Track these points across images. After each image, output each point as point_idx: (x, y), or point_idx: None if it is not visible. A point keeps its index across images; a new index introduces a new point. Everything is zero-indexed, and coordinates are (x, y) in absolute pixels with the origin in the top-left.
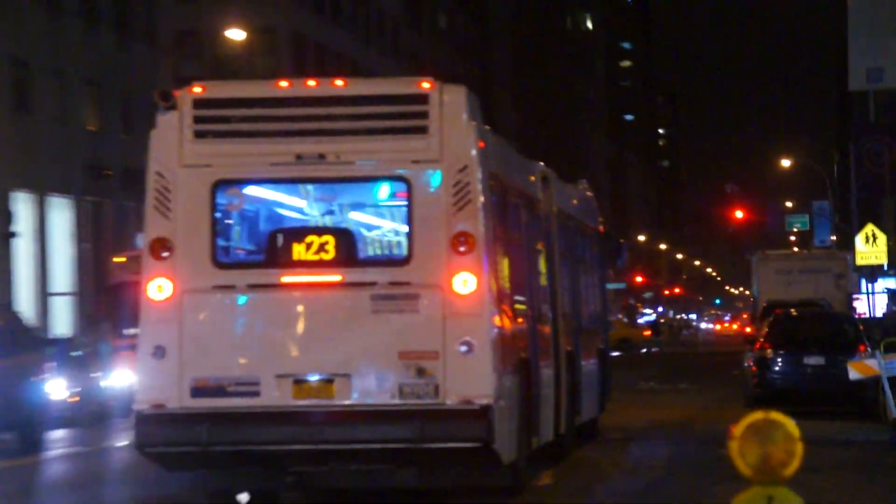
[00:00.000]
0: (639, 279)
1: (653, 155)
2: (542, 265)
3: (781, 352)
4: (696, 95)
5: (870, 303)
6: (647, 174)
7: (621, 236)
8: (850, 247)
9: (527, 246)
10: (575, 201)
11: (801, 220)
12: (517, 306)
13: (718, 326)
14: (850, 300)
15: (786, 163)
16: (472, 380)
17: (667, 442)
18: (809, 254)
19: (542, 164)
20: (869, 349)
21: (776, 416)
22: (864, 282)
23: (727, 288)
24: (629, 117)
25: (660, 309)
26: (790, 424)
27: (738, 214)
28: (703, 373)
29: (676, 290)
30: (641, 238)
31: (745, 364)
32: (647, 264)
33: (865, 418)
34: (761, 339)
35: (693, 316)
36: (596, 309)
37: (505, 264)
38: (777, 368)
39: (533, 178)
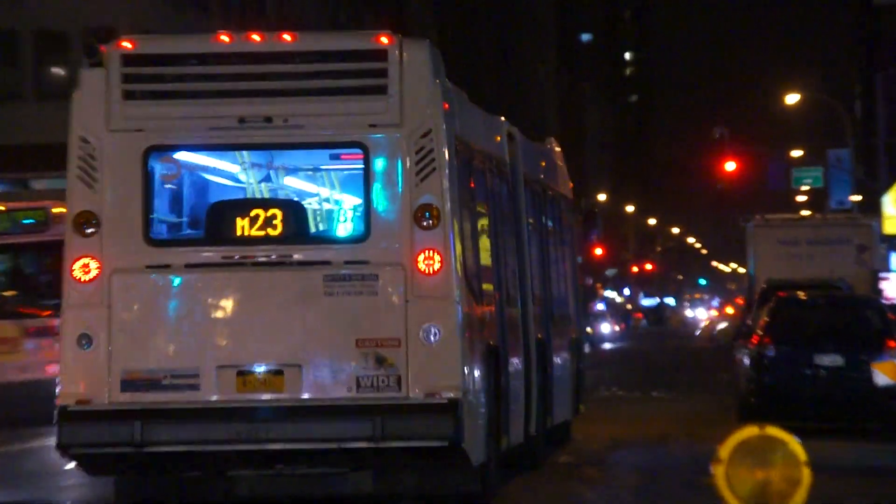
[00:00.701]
0: (598, 252)
1: (617, 87)
2: (509, 240)
3: (785, 348)
4: (674, 9)
5: None
6: (608, 112)
7: (579, 196)
8: (877, 210)
9: (493, 218)
10: (543, 164)
11: (813, 174)
12: (484, 287)
13: (709, 315)
14: (877, 280)
15: (792, 99)
16: (439, 370)
17: (633, 467)
18: (823, 219)
19: (504, 120)
20: None
21: (775, 431)
22: (894, 256)
23: (715, 264)
24: (586, 37)
25: (626, 291)
26: (793, 444)
27: (730, 167)
28: (681, 376)
29: (648, 267)
30: (601, 197)
31: (737, 364)
32: (610, 232)
33: (895, 437)
34: (759, 332)
35: (669, 300)
36: (568, 292)
37: (471, 240)
38: (779, 370)
39: (498, 139)
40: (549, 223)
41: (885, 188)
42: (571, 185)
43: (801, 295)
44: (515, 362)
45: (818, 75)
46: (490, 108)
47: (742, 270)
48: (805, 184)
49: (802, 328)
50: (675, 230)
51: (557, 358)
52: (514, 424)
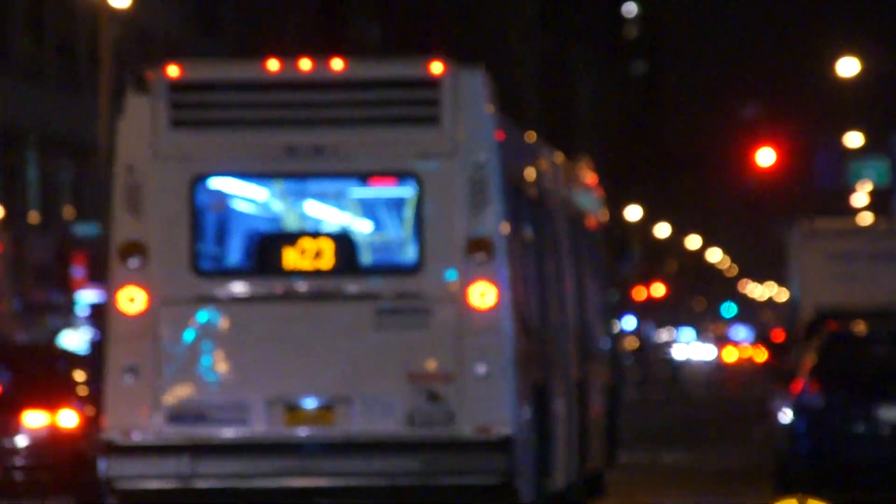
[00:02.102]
0: (637, 292)
1: (616, 53)
2: (551, 273)
3: (837, 397)
4: None
5: None
6: (605, 85)
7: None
8: None
9: (539, 251)
10: (579, 188)
11: (876, 167)
12: (533, 323)
13: (733, 354)
14: None
15: (848, 68)
16: (491, 406)
17: None
18: (889, 227)
19: (547, 146)
20: None
21: None
22: None
23: (746, 284)
24: None
25: (629, 322)
26: None
27: (766, 158)
28: (703, 434)
29: (659, 290)
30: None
31: (775, 417)
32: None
33: None
34: (805, 375)
35: (687, 332)
36: (603, 328)
37: (521, 274)
38: (828, 426)
39: (542, 166)
40: (585, 254)
41: None
42: (606, 208)
43: (860, 327)
44: (559, 403)
45: (882, 38)
46: None
47: (783, 296)
48: (865, 180)
49: (860, 371)
50: (694, 242)
51: (595, 400)
52: (557, 467)
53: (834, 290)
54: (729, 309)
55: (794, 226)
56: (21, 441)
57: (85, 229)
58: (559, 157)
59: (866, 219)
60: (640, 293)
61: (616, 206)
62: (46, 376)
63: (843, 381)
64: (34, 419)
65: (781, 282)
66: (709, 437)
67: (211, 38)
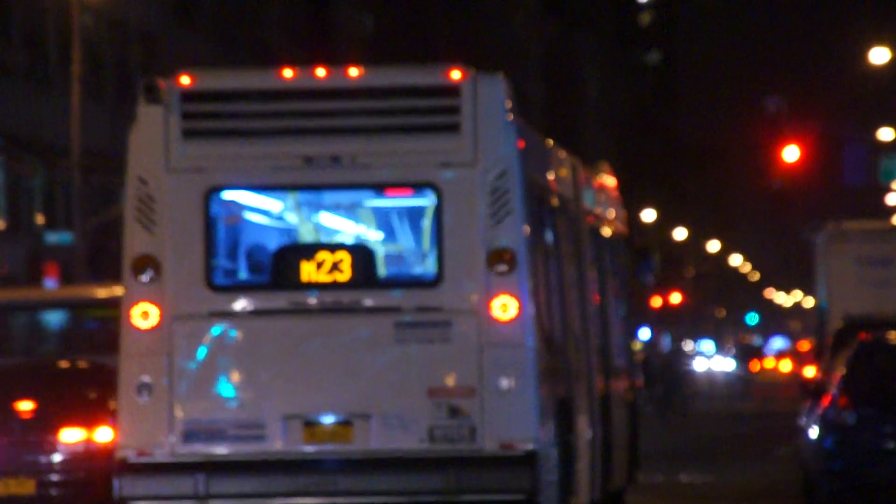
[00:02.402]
0: (655, 303)
1: (628, 41)
2: (574, 285)
3: (870, 413)
4: None
5: None
6: (615, 76)
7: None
8: None
9: (561, 262)
10: (601, 197)
11: None
12: (555, 336)
13: (758, 366)
14: None
15: (880, 57)
16: (514, 421)
17: None
18: None
19: (565, 152)
20: None
21: None
22: None
23: (770, 293)
24: None
25: (646, 333)
26: None
27: (791, 155)
28: (723, 452)
29: (675, 298)
30: None
31: (803, 434)
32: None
33: None
34: (834, 388)
35: (707, 344)
36: (624, 341)
37: (544, 286)
38: (860, 444)
39: (564, 174)
40: (607, 263)
41: None
42: (626, 215)
43: (892, 337)
44: (582, 418)
45: None
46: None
47: (809, 302)
48: None
49: (893, 384)
50: (714, 247)
51: (617, 416)
52: (580, 485)
53: (864, 296)
54: (752, 318)
55: (821, 229)
56: (57, 457)
57: (56, 237)
58: (580, 166)
59: None
60: (656, 301)
61: (629, 208)
62: (82, 392)
63: (874, 395)
64: (71, 435)
65: (808, 289)
66: (731, 455)
67: (189, 29)
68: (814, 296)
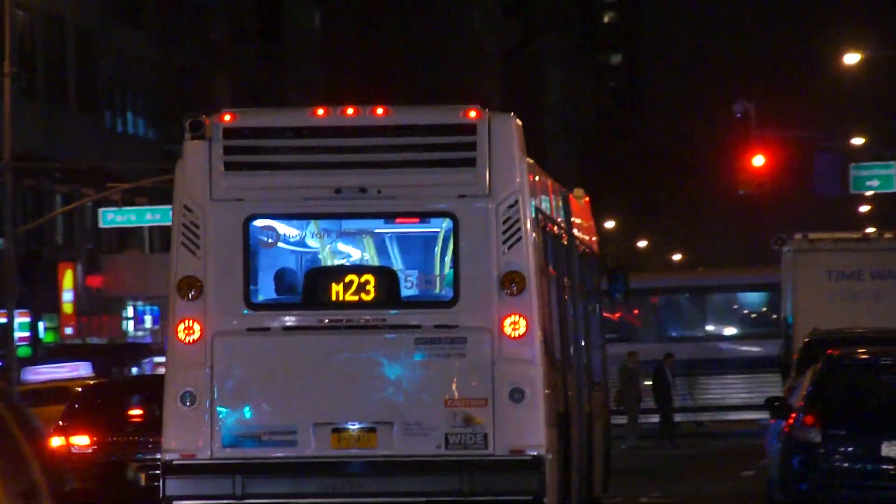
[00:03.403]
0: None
1: (590, 42)
2: (567, 305)
3: (838, 433)
4: None
5: None
6: (578, 78)
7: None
8: None
9: (558, 283)
10: (582, 221)
11: (882, 172)
12: (556, 353)
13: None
14: None
15: (851, 59)
16: (524, 429)
17: None
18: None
19: (558, 183)
20: None
21: None
22: None
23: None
24: None
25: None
26: None
27: (758, 162)
28: (687, 471)
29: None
30: None
31: (768, 454)
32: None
33: None
34: (802, 408)
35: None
36: (602, 359)
37: (547, 306)
38: (831, 464)
39: (559, 204)
40: (589, 284)
41: None
42: (597, 238)
43: (862, 353)
44: (575, 429)
45: (892, 27)
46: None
47: (776, 315)
48: (869, 187)
49: (864, 403)
50: (676, 256)
51: (597, 428)
52: (574, 489)
53: (834, 310)
54: None
55: (788, 240)
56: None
57: None
58: (568, 194)
59: (869, 231)
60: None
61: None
62: None
63: (842, 414)
64: None
65: (774, 303)
66: (696, 474)
67: (131, 27)
68: (780, 310)
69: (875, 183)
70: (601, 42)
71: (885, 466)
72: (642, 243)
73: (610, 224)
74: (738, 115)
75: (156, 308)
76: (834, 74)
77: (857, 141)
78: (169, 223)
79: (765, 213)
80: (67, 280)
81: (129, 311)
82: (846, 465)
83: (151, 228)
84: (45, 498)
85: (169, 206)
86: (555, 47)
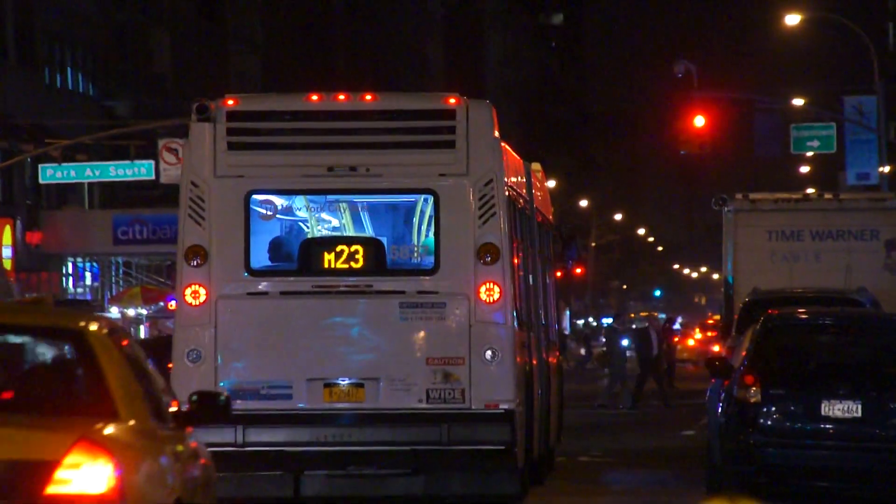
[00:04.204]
0: (578, 271)
1: (531, 2)
2: (531, 272)
3: (777, 392)
4: None
5: None
6: (519, 38)
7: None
8: None
9: (525, 253)
10: (540, 194)
11: (822, 133)
12: (523, 316)
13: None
14: None
15: (791, 20)
16: (497, 385)
17: None
18: (836, 201)
19: (522, 160)
20: None
21: None
22: None
23: (677, 268)
24: None
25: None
26: None
27: (699, 122)
28: (627, 432)
29: (577, 271)
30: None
31: (709, 413)
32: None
33: None
34: (742, 367)
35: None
36: (555, 318)
37: (516, 273)
38: (770, 423)
39: (524, 179)
40: (547, 251)
41: None
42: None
43: (802, 313)
44: (539, 384)
45: None
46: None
47: (716, 276)
48: (810, 148)
49: (803, 362)
50: (618, 217)
51: (553, 385)
52: (536, 440)
53: (774, 271)
54: (656, 293)
55: (728, 200)
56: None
57: None
58: (528, 167)
59: (809, 192)
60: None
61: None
62: None
63: (781, 374)
64: None
65: (716, 263)
66: (635, 435)
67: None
68: (720, 270)
69: (815, 143)
70: (543, 2)
71: (823, 425)
72: (583, 203)
73: (551, 184)
74: (680, 76)
75: (96, 265)
76: (775, 35)
77: (798, 102)
78: (108, 179)
79: (706, 173)
80: (6, 236)
81: (69, 268)
82: (785, 424)
83: (91, 185)
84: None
85: (109, 162)
86: (496, 7)
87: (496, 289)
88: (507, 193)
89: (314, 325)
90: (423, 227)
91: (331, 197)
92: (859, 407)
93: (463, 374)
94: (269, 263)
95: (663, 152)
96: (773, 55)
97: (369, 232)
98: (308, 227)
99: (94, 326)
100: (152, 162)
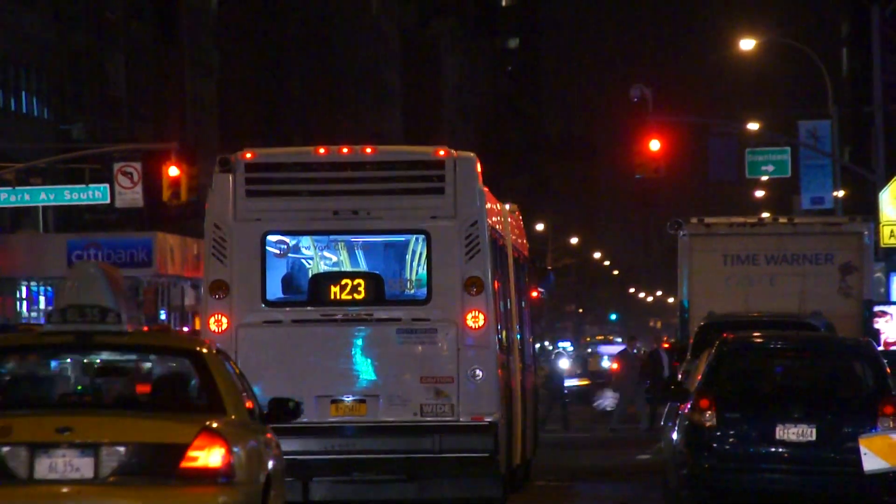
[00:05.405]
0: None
1: (488, 27)
2: (509, 302)
3: (732, 416)
4: None
5: None
6: (476, 62)
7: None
8: (871, 212)
9: (503, 284)
10: (517, 231)
11: (777, 157)
12: (503, 340)
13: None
14: (870, 317)
15: (746, 45)
16: (482, 401)
17: None
18: (790, 225)
19: (501, 203)
20: None
21: None
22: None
23: (633, 291)
24: None
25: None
26: None
27: (654, 146)
28: (583, 455)
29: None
30: None
31: (665, 438)
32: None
33: None
34: (697, 391)
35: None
36: (531, 343)
37: (497, 303)
38: (725, 447)
39: (502, 218)
40: (522, 282)
41: (884, 179)
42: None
43: (757, 337)
44: (517, 400)
45: (786, 10)
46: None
47: (672, 300)
48: (764, 172)
49: (758, 386)
50: (574, 240)
51: (529, 401)
52: (516, 449)
53: (727, 295)
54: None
55: (683, 224)
56: None
57: None
58: (506, 208)
59: (764, 216)
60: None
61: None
62: None
63: (736, 398)
64: None
65: (671, 286)
66: (591, 462)
67: (25, 6)
68: (676, 294)
69: (770, 168)
70: (499, 25)
71: (778, 449)
72: (540, 226)
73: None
74: (635, 100)
75: (50, 289)
76: (730, 60)
77: (753, 126)
78: (63, 202)
79: (661, 197)
80: None
81: (24, 292)
82: (740, 448)
83: (46, 208)
84: None
85: (63, 186)
86: (453, 31)
87: (481, 316)
88: (489, 233)
89: (322, 349)
90: (417, 263)
91: (334, 237)
92: (814, 431)
93: (452, 391)
94: (282, 295)
95: (619, 176)
96: (729, 80)
97: (369, 267)
98: (316, 264)
99: (206, 348)
100: (107, 185)
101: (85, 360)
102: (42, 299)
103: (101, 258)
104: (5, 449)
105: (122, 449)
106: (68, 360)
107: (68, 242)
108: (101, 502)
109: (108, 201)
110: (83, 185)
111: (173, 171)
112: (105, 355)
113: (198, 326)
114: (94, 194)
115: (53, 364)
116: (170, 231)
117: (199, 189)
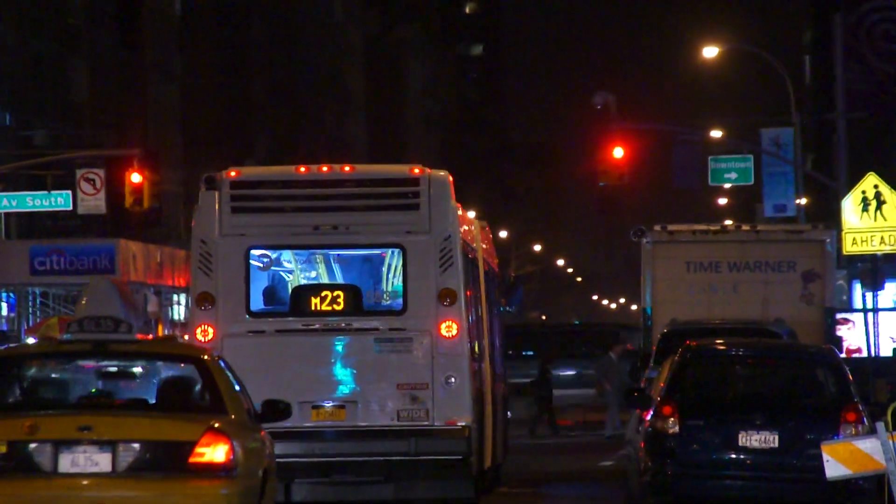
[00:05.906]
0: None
1: (452, 34)
2: (481, 312)
3: (695, 423)
4: None
5: (869, 330)
6: (438, 68)
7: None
8: (834, 220)
9: (474, 295)
10: (486, 245)
11: (740, 165)
12: (475, 349)
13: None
14: (832, 324)
15: (709, 52)
16: (455, 406)
17: None
18: (753, 232)
19: (474, 219)
20: (865, 419)
21: None
22: (858, 288)
23: (596, 298)
24: None
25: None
26: None
27: (618, 153)
28: (542, 467)
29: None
30: None
31: (627, 444)
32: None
33: None
34: (660, 398)
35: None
36: (501, 352)
37: (469, 313)
38: (686, 455)
39: (473, 232)
40: (492, 294)
41: (847, 187)
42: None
43: (720, 344)
44: (487, 407)
45: (749, 18)
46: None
47: (635, 307)
48: (728, 180)
49: (720, 393)
50: (537, 247)
51: (499, 407)
52: (488, 452)
53: (690, 302)
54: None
55: (646, 231)
56: None
57: None
58: (477, 223)
59: (727, 224)
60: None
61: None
62: None
63: (699, 405)
64: None
65: (634, 294)
66: (551, 469)
67: None
68: (639, 301)
69: (733, 175)
70: (462, 33)
71: (741, 456)
72: (503, 234)
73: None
74: (599, 107)
75: (12, 295)
76: (694, 68)
77: (716, 134)
78: (25, 209)
79: (625, 204)
80: None
81: None
82: (703, 455)
83: (8, 215)
84: None
85: (26, 192)
86: (415, 38)
87: (454, 326)
88: (461, 247)
89: (303, 357)
90: (393, 276)
91: (314, 251)
92: (776, 437)
93: (427, 396)
94: (265, 307)
95: (582, 183)
96: (693, 87)
97: (348, 280)
98: (297, 276)
99: (208, 355)
100: (70, 192)
101: (100, 366)
102: (4, 306)
103: (63, 265)
104: (33, 445)
105: (136, 445)
106: (86, 366)
107: (31, 249)
108: (118, 494)
109: (71, 208)
110: (45, 192)
111: (136, 177)
112: (118, 361)
113: (160, 333)
114: (57, 201)
115: (73, 369)
116: (132, 238)
117: (162, 196)
